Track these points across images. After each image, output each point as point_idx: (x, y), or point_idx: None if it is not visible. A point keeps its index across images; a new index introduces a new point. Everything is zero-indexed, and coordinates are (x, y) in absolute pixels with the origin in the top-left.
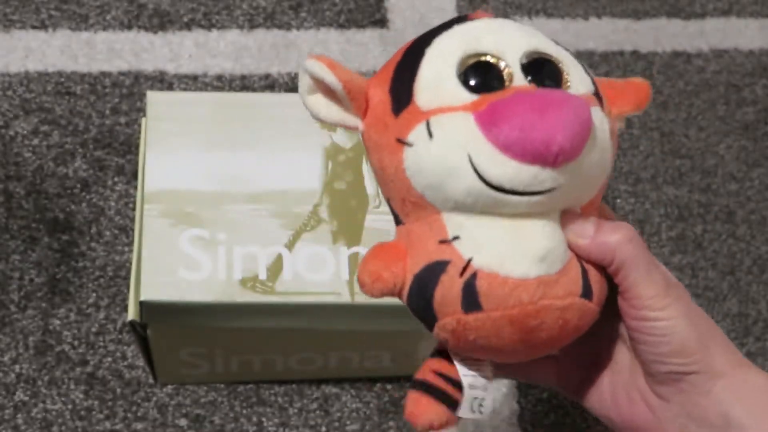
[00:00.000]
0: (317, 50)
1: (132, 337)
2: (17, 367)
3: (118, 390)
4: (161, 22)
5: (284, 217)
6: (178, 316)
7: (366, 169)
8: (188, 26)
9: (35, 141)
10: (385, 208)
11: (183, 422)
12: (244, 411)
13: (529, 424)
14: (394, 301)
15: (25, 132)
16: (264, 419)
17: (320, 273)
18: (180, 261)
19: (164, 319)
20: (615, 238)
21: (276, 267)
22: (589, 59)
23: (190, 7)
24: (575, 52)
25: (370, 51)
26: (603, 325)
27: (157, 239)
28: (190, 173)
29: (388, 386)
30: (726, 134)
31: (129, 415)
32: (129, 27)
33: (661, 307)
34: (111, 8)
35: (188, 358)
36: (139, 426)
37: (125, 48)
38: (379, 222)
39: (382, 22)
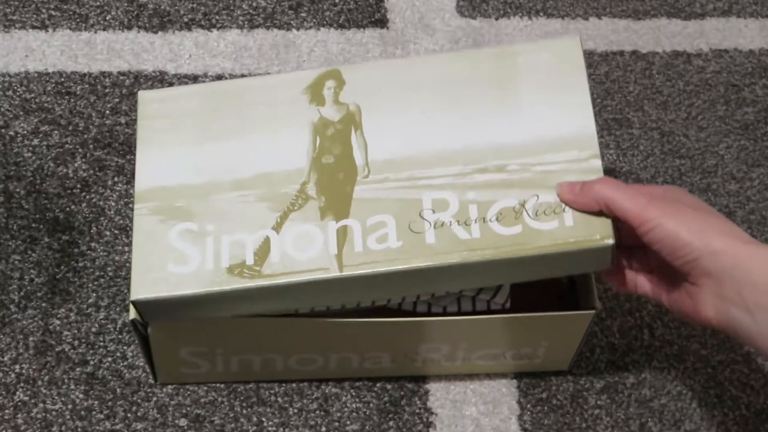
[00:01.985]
0: (317, 50)
1: (132, 337)
2: (17, 367)
3: (118, 390)
4: (161, 22)
5: (272, 200)
6: (171, 312)
7: (354, 140)
8: (188, 26)
9: (35, 141)
10: (374, 176)
11: (183, 422)
12: (244, 411)
13: (529, 424)
14: (385, 269)
15: (25, 132)
16: (264, 419)
17: (308, 251)
18: (169, 256)
19: (159, 316)
20: (596, 186)
21: (263, 250)
22: (589, 59)
23: (190, 7)
24: None
25: (370, 51)
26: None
27: (147, 237)
28: (181, 168)
29: (388, 386)
30: (726, 134)
31: (129, 415)
32: (129, 27)
33: (649, 219)
34: (111, 8)
35: (188, 358)
36: (139, 426)
37: (125, 48)
38: (367, 192)
39: (382, 22)
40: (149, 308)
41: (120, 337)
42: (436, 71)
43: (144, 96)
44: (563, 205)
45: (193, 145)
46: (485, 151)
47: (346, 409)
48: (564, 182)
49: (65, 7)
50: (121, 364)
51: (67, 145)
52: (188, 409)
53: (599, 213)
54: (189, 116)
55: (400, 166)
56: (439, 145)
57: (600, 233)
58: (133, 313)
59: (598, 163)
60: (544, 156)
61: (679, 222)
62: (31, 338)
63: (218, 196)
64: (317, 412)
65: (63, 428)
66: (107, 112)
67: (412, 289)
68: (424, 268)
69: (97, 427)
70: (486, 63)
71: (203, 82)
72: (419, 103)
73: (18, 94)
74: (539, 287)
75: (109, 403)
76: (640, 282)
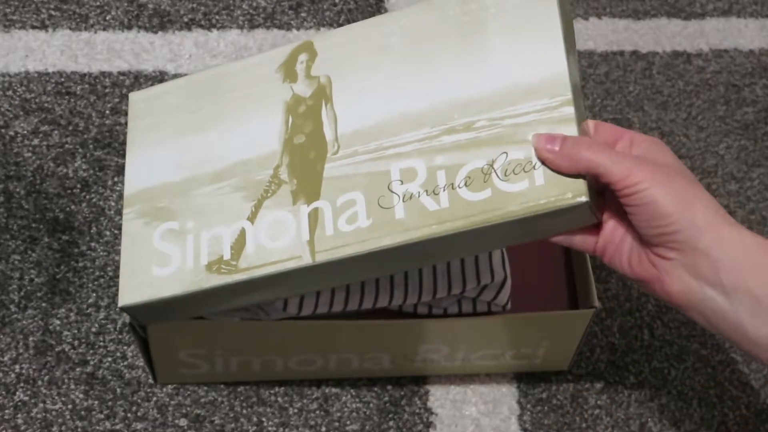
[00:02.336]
0: None
1: (132, 336)
2: (17, 367)
3: (118, 390)
4: (161, 22)
5: (247, 189)
6: (160, 314)
7: (325, 115)
8: (188, 26)
9: (35, 141)
10: (343, 151)
11: (183, 422)
12: (244, 411)
13: (529, 424)
14: (355, 252)
15: (25, 132)
16: (264, 419)
17: (281, 239)
18: (153, 259)
19: (151, 318)
20: (581, 152)
21: (239, 243)
22: (589, 59)
23: (190, 7)
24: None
25: None
26: (620, 209)
27: (133, 241)
28: (162, 167)
29: (388, 386)
30: (726, 134)
31: (129, 415)
32: (129, 27)
33: (635, 182)
34: (111, 8)
35: (188, 359)
36: (139, 426)
37: (125, 48)
38: (337, 169)
39: None
40: (138, 312)
41: (120, 337)
42: (405, 26)
43: (133, 97)
44: (533, 160)
45: (173, 140)
46: (452, 109)
47: (346, 409)
48: (541, 136)
49: (65, 7)
50: (121, 364)
51: (67, 145)
52: (188, 409)
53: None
54: (170, 111)
55: (367, 137)
56: (405, 109)
57: (572, 191)
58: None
59: (570, 110)
60: (513, 107)
61: (665, 190)
62: (31, 338)
63: (198, 190)
64: (317, 412)
65: (63, 428)
66: (107, 112)
67: (388, 268)
68: (394, 246)
69: (97, 427)
70: (453, 10)
71: None
72: (388, 66)
73: (18, 94)
74: (540, 287)
75: (109, 403)
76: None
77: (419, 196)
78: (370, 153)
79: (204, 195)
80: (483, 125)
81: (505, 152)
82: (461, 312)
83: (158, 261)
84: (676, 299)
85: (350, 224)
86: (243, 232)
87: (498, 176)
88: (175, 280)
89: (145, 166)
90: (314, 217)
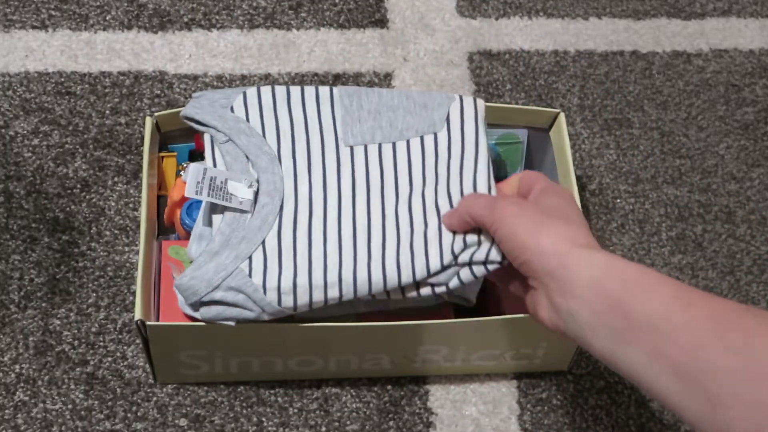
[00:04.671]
0: (317, 50)
1: (132, 336)
2: (17, 367)
3: (118, 390)
4: (161, 22)
5: None
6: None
7: None
8: (188, 26)
9: (35, 141)
10: None
11: (183, 422)
12: (244, 411)
13: (529, 424)
14: None
15: (25, 132)
16: (264, 419)
17: None
18: None
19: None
20: (461, 203)
21: None
22: (589, 59)
23: (190, 7)
24: (575, 52)
25: (370, 51)
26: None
27: None
28: None
29: (388, 386)
30: (726, 134)
31: (129, 415)
32: (129, 27)
33: (494, 220)
34: (111, 8)
35: (188, 360)
36: (139, 426)
37: (125, 48)
38: None
39: (382, 22)
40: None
41: (120, 337)
42: None
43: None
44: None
45: None
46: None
47: (346, 409)
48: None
49: (65, 7)
50: (121, 364)
51: (67, 145)
52: (188, 409)
53: (474, 230)
54: None
55: None
56: None
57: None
58: (138, 314)
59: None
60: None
61: (518, 222)
62: (31, 338)
63: None
64: (317, 412)
65: (63, 428)
66: (107, 112)
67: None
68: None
69: (97, 427)
70: None
71: (203, 81)
72: None
73: (18, 94)
74: None
75: (109, 403)
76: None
77: None
78: None
79: None
80: None
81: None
82: (462, 282)
83: None
84: (550, 327)
85: None
86: None
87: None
88: None
89: None
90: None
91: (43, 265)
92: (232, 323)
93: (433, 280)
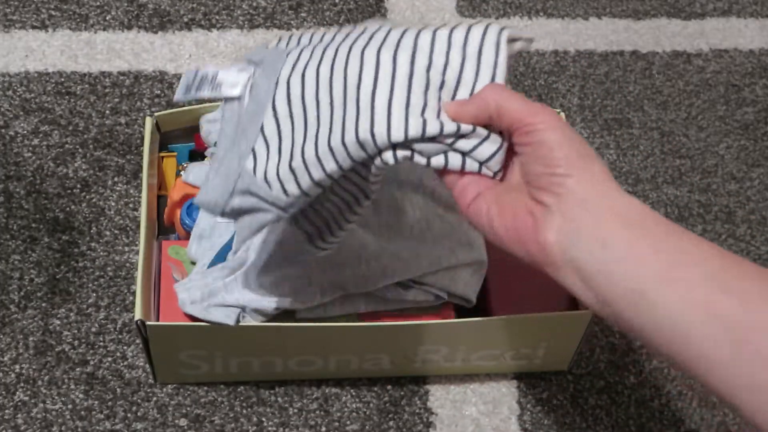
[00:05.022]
0: None
1: (132, 336)
2: (17, 367)
3: (118, 390)
4: (161, 22)
5: None
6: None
7: None
8: (188, 26)
9: (35, 141)
10: None
11: (183, 422)
12: (244, 411)
13: (529, 424)
14: None
15: (25, 132)
16: (264, 419)
17: None
18: None
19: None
20: (485, 92)
21: None
22: (589, 59)
23: (190, 7)
24: (575, 52)
25: None
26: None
27: None
28: None
29: (388, 386)
30: (726, 134)
31: (129, 415)
32: (129, 27)
33: (542, 120)
34: (111, 8)
35: (188, 360)
36: (139, 426)
37: (125, 48)
38: None
39: None
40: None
41: (120, 337)
42: None
43: None
44: None
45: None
46: None
47: (346, 409)
48: (448, 103)
49: (65, 7)
50: (121, 364)
51: (67, 145)
52: (188, 409)
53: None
54: None
55: None
56: None
57: None
58: (138, 314)
59: None
60: None
61: (568, 137)
62: (31, 338)
63: None
64: (317, 412)
65: (63, 428)
66: (107, 112)
67: None
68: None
69: (97, 427)
70: None
71: None
72: None
73: (18, 94)
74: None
75: (109, 403)
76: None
77: None
78: None
79: None
80: None
81: None
82: (447, 166)
83: None
84: (548, 250)
85: None
86: None
87: None
88: None
89: None
90: None
91: (43, 265)
92: (231, 323)
93: (418, 146)
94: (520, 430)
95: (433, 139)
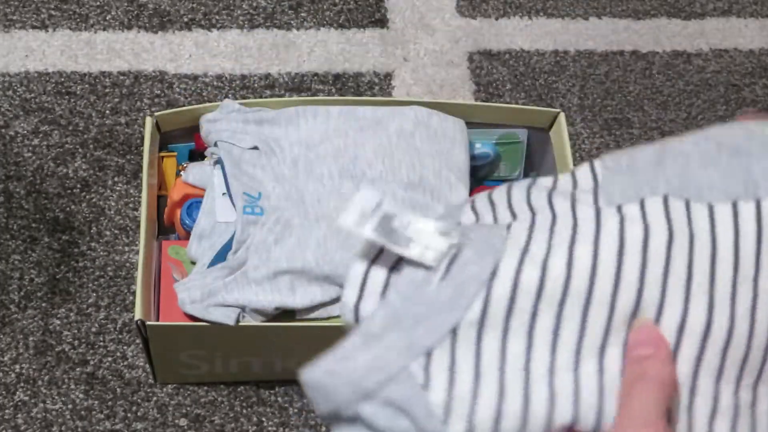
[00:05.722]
0: (317, 50)
1: (132, 336)
2: (17, 367)
3: (118, 390)
4: (161, 22)
5: None
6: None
7: None
8: (188, 26)
9: (35, 141)
10: None
11: (183, 422)
12: (244, 411)
13: None
14: None
15: (25, 132)
16: (264, 419)
17: None
18: None
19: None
20: None
21: None
22: (589, 59)
23: (190, 7)
24: (575, 52)
25: (370, 51)
26: None
27: None
28: None
29: None
30: None
31: (129, 415)
32: (129, 27)
33: None
34: (111, 8)
35: (188, 360)
36: (139, 426)
37: (125, 48)
38: None
39: (382, 22)
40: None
41: (120, 337)
42: None
43: None
44: None
45: None
46: None
47: None
48: None
49: (65, 7)
50: (121, 364)
51: (67, 145)
52: (188, 409)
53: None
54: None
55: None
56: None
57: None
58: (138, 314)
59: None
60: None
61: None
62: (31, 338)
63: None
64: None
65: (63, 428)
66: (107, 112)
67: None
68: None
69: (97, 427)
70: None
71: (203, 81)
72: None
73: (18, 94)
74: None
75: (109, 403)
76: None
77: None
78: None
79: None
80: None
81: None
82: None
83: None
84: None
85: None
86: None
87: None
88: None
89: None
90: None
91: (43, 265)
92: (231, 323)
93: None
94: None
95: None
